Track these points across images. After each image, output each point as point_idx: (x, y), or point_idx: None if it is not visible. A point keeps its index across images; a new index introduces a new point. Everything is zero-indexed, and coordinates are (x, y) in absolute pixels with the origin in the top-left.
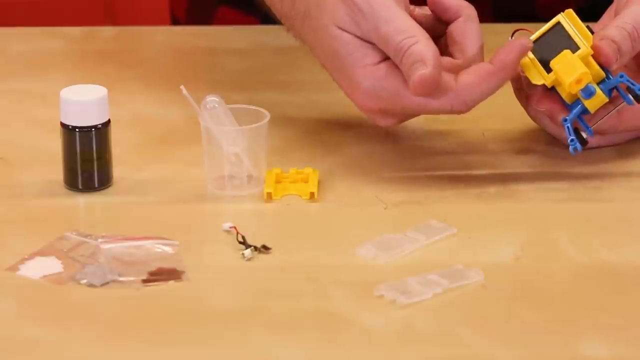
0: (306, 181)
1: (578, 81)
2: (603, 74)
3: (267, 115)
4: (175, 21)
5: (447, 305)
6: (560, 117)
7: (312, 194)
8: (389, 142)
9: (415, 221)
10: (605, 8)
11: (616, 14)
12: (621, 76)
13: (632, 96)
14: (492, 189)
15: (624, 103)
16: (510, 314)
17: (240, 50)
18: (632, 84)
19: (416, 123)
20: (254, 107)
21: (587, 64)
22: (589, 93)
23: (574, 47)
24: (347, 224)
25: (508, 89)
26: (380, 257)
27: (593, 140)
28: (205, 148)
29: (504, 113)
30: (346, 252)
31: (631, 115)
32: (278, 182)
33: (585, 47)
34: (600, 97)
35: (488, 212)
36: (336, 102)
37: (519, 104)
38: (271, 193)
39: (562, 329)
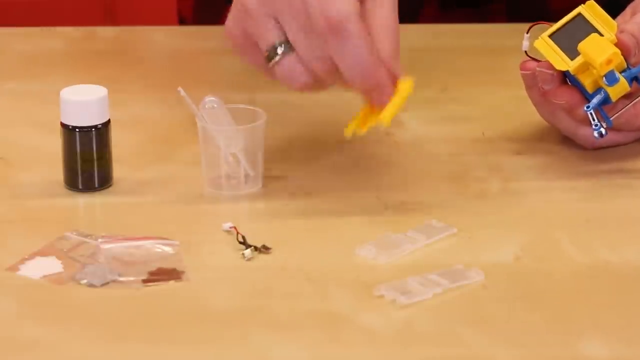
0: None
1: (608, 61)
2: (625, 64)
3: (264, 115)
4: (182, 21)
5: (447, 305)
6: (580, 108)
7: (383, 118)
8: (389, 142)
9: (415, 221)
10: (619, 9)
11: (632, 15)
12: None
13: None
14: (492, 189)
15: None
16: (510, 314)
17: None
18: None
19: (416, 123)
20: (251, 107)
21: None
22: (613, 79)
23: (599, 34)
24: (347, 224)
25: (508, 90)
26: (380, 257)
27: (608, 138)
28: (202, 148)
29: (504, 113)
30: (346, 252)
31: None
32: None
33: (610, 35)
34: (623, 85)
35: (488, 212)
36: (336, 102)
37: (519, 104)
38: (355, 130)
39: (562, 329)
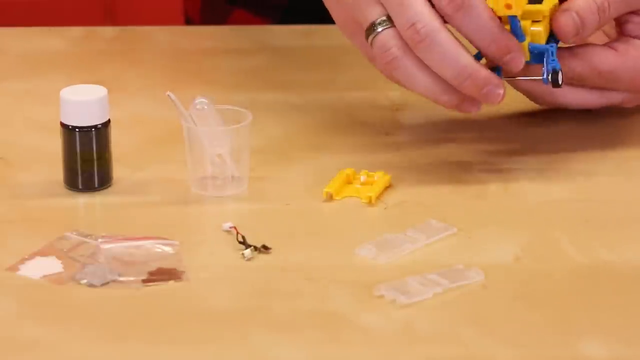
0: (372, 184)
1: (508, 6)
2: (546, 33)
3: (250, 116)
4: (190, 22)
5: (447, 305)
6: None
7: (369, 198)
8: (388, 142)
9: (415, 221)
10: None
11: None
12: (551, 46)
13: (550, 75)
14: (492, 189)
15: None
16: (510, 314)
17: (240, 50)
18: (553, 60)
19: (416, 123)
20: (237, 108)
21: (541, 20)
22: (515, 31)
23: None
24: (347, 224)
25: (508, 90)
26: (380, 257)
27: (563, 96)
28: (188, 149)
29: (504, 113)
30: (346, 252)
31: (602, 60)
32: (349, 182)
33: (544, 6)
34: (523, 49)
35: (488, 212)
36: (336, 102)
37: (518, 104)
38: (331, 193)
39: (562, 329)
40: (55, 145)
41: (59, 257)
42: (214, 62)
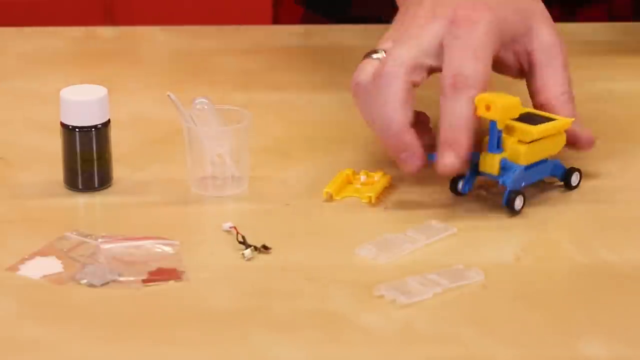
0: (372, 184)
1: (487, 107)
2: (526, 161)
3: (249, 116)
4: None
5: (447, 305)
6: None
7: (369, 198)
8: None
9: (415, 221)
10: None
11: None
12: (519, 166)
13: (508, 195)
14: (492, 189)
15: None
16: (510, 314)
17: (240, 50)
18: (515, 181)
19: None
20: (237, 108)
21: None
22: (490, 141)
23: (541, 120)
24: (347, 224)
25: (507, 91)
26: (380, 257)
27: None
28: (188, 149)
29: None
30: (346, 252)
31: None
32: (349, 182)
33: (536, 129)
34: (490, 163)
35: (488, 212)
36: (336, 102)
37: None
38: (331, 193)
39: (562, 329)
40: (55, 145)
41: (59, 257)
42: (214, 62)
